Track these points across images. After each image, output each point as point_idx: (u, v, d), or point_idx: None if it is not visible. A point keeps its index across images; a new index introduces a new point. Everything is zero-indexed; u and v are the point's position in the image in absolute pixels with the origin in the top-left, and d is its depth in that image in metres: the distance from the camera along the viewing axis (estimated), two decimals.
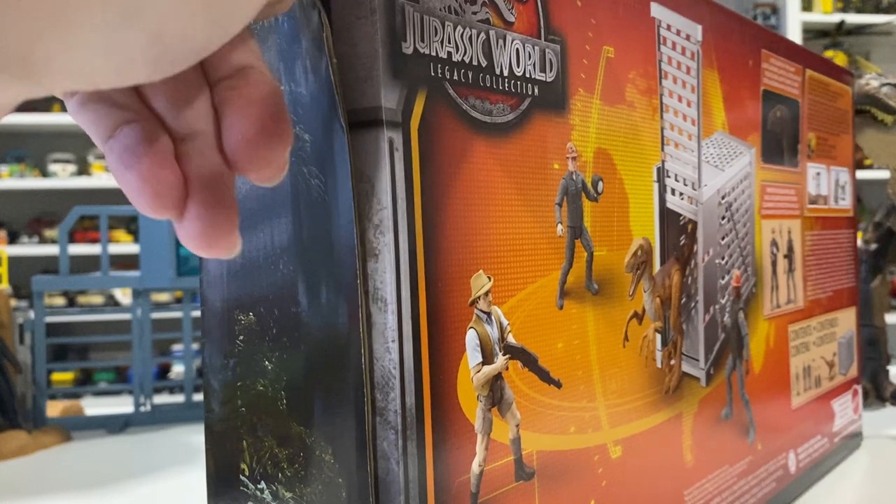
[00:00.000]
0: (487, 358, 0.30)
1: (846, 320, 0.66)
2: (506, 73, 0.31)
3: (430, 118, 0.28)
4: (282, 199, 0.28)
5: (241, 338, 0.30)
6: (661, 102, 0.41)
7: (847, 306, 0.66)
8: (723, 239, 0.48)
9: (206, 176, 0.24)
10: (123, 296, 2.81)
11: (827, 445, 0.61)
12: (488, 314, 0.30)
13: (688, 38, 0.43)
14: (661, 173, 0.41)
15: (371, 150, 0.27)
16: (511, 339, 0.31)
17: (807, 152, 0.59)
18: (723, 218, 0.48)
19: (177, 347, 2.59)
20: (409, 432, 0.27)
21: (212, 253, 0.24)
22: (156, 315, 0.91)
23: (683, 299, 0.43)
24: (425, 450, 0.27)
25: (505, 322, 0.31)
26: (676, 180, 0.43)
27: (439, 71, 0.28)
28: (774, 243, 0.54)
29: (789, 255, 0.56)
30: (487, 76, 0.30)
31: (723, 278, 0.48)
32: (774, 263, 0.54)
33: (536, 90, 0.33)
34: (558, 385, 0.34)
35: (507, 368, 0.31)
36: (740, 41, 0.49)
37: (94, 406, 0.97)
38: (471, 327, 0.30)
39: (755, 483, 0.50)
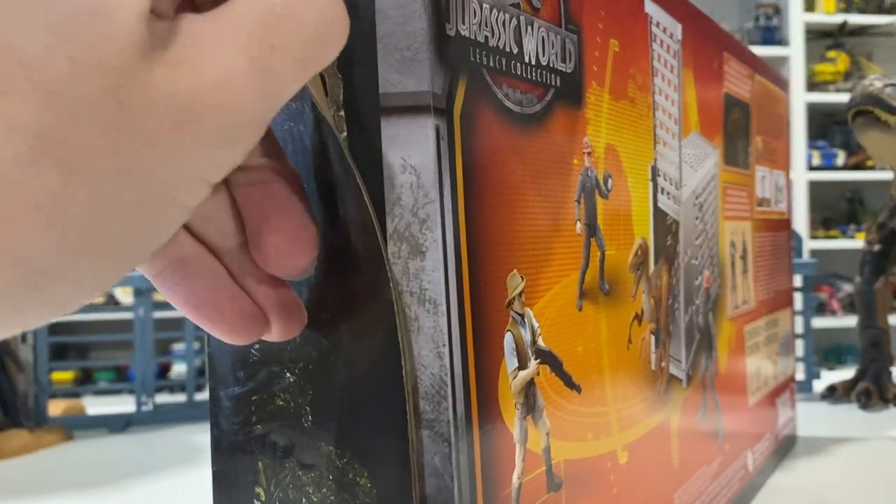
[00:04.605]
0: (522, 363, 0.28)
1: (785, 320, 0.68)
2: (533, 61, 0.30)
3: (471, 106, 0.26)
4: (306, 189, 0.26)
5: (257, 346, 0.27)
6: (654, 100, 0.40)
7: (785, 307, 0.68)
8: (696, 239, 0.47)
9: (262, 279, 0.24)
10: (123, 295, 2.78)
11: (773, 443, 0.63)
12: (522, 316, 0.29)
13: (671, 36, 0.43)
14: (655, 172, 0.40)
15: (418, 138, 0.24)
16: (541, 342, 0.30)
17: (755, 155, 0.60)
18: (696, 218, 0.47)
19: (177, 347, 2.59)
20: (461, 445, 0.25)
21: None
22: (156, 314, 0.90)
23: (670, 300, 0.43)
24: (475, 463, 0.25)
25: (536, 324, 0.29)
26: (665, 179, 0.42)
27: (478, 56, 0.27)
28: (733, 244, 0.55)
29: (744, 257, 0.57)
30: (518, 63, 0.29)
31: (696, 279, 0.47)
32: (733, 265, 0.55)
33: (558, 81, 0.31)
34: (579, 390, 0.32)
35: (538, 374, 0.29)
36: (708, 42, 0.49)
37: (94, 405, 0.95)
38: (508, 330, 0.28)
39: (724, 483, 0.50)
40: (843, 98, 2.92)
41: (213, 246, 0.23)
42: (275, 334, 0.25)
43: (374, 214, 0.24)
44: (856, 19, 3.18)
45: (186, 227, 0.23)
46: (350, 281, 0.25)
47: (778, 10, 3.16)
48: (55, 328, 0.93)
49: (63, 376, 2.66)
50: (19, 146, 0.15)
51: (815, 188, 3.16)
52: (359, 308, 0.25)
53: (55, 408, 0.88)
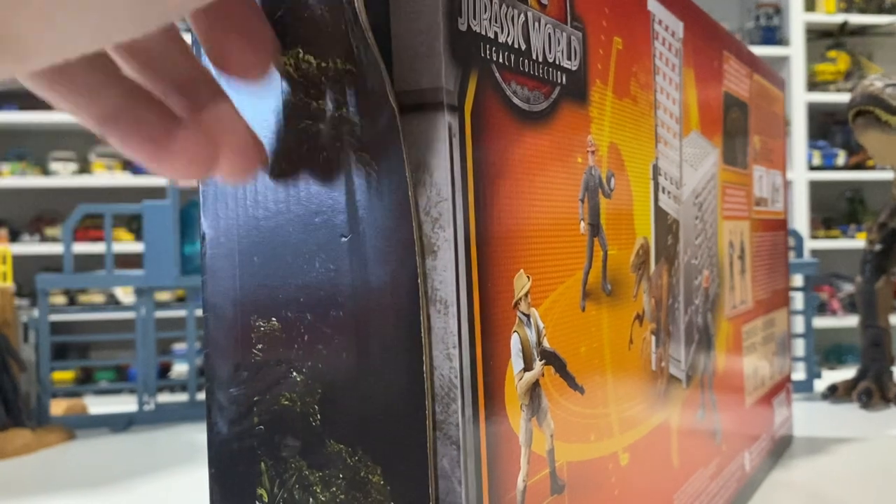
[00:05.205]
0: (528, 364, 0.28)
1: (781, 320, 0.68)
2: (540, 58, 0.29)
3: (481, 103, 0.26)
4: (319, 189, 0.25)
5: (260, 346, 0.26)
6: (655, 98, 0.40)
7: (782, 307, 0.68)
8: (696, 239, 0.47)
9: (217, 112, 0.23)
10: (124, 294, 2.80)
11: (770, 443, 0.63)
12: (528, 317, 0.28)
13: (673, 34, 0.43)
14: (656, 171, 0.40)
15: (431, 136, 0.24)
16: (546, 343, 0.29)
17: (753, 155, 0.60)
18: (696, 218, 0.47)
19: (177, 346, 2.61)
20: (469, 447, 0.24)
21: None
22: (157, 314, 0.90)
23: (670, 300, 0.42)
24: (482, 466, 0.25)
25: (541, 325, 0.29)
26: (666, 178, 0.42)
27: (488, 52, 0.26)
28: (731, 244, 0.55)
29: (742, 256, 0.57)
30: (526, 60, 0.28)
31: (696, 279, 0.47)
32: (732, 264, 0.54)
33: (564, 78, 0.31)
34: (582, 391, 0.32)
35: (543, 375, 0.29)
36: (709, 41, 0.49)
37: (95, 405, 0.95)
38: (514, 331, 0.27)
39: (722, 484, 0.50)
40: (844, 98, 2.92)
41: (164, 76, 0.22)
42: (226, 171, 0.23)
43: (415, 211, 0.24)
44: (856, 19, 3.16)
45: (137, 62, 0.22)
46: (366, 278, 0.25)
47: (778, 10, 3.15)
48: (56, 328, 0.93)
49: (64, 376, 2.67)
50: None
51: (816, 188, 3.17)
52: (375, 305, 0.25)
53: (57, 407, 0.88)
